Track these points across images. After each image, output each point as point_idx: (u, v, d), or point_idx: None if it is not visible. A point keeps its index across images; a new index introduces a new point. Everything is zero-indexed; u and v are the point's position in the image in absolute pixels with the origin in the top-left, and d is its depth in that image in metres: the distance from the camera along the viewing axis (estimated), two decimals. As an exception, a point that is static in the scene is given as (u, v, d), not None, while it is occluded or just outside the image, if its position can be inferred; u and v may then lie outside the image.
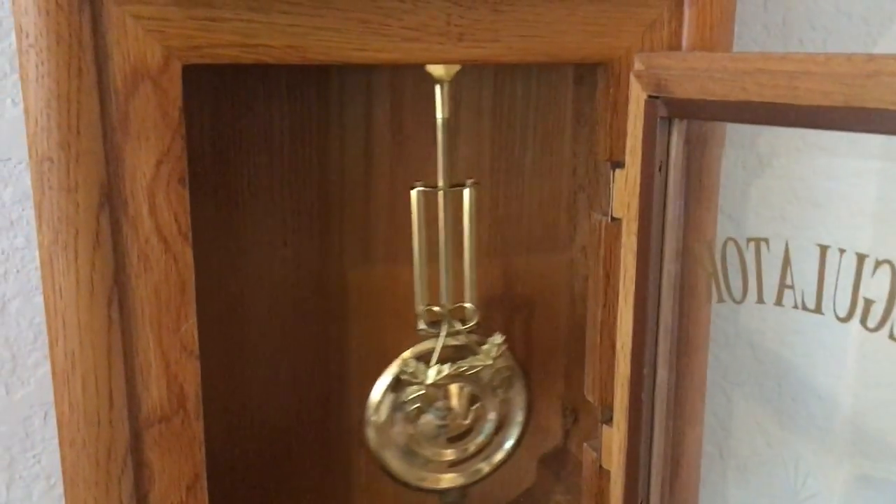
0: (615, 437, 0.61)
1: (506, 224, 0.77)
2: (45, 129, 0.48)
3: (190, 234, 0.53)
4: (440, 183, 0.65)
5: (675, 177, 0.55)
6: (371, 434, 0.68)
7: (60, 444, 0.53)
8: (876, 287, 0.47)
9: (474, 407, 0.69)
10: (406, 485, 0.70)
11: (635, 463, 0.59)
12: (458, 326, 0.67)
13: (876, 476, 0.90)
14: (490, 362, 0.67)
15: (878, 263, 0.46)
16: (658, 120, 0.54)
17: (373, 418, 0.67)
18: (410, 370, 0.66)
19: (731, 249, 0.53)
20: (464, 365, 0.66)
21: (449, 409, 0.68)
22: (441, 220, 0.66)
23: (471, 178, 0.67)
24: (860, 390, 0.90)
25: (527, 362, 0.81)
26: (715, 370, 0.90)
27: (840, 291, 0.48)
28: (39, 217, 0.50)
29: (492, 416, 0.71)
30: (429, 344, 0.68)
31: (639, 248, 0.57)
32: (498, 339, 0.67)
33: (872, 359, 0.88)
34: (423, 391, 0.66)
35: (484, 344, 0.68)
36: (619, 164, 0.58)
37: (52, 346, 0.51)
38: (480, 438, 0.71)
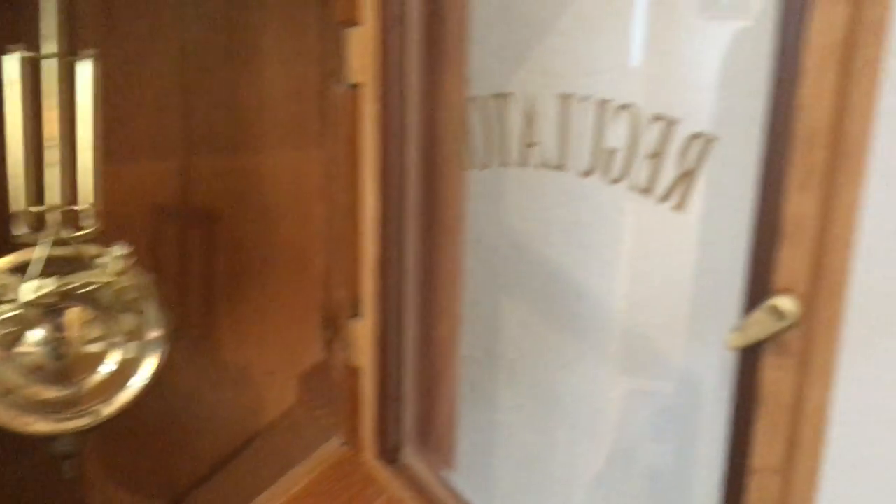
0: (364, 330, 0.56)
1: (246, 114, 0.69)
2: None
3: None
4: (49, 49, 0.50)
5: (417, 32, 0.50)
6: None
7: None
8: (616, 136, 0.44)
9: (92, 335, 0.56)
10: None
11: (386, 355, 0.54)
12: (67, 233, 0.53)
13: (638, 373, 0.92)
14: (109, 279, 0.54)
15: (618, 109, 0.43)
16: (393, -36, 0.48)
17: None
18: (1, 284, 0.52)
19: (475, 109, 0.49)
20: (74, 281, 0.53)
21: (58, 337, 0.55)
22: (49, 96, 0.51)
23: (90, 48, 0.53)
24: (627, 289, 0.91)
25: (277, 272, 0.73)
26: (482, 273, 0.88)
27: (583, 143, 0.45)
28: None
29: (116, 347, 0.57)
30: (31, 253, 0.53)
31: (380, 115, 0.51)
32: (119, 251, 0.54)
33: (640, 258, 0.88)
34: (19, 311, 0.53)
35: (101, 256, 0.54)
36: (354, 22, 0.52)
37: None
38: (97, 376, 0.57)
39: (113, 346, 0.57)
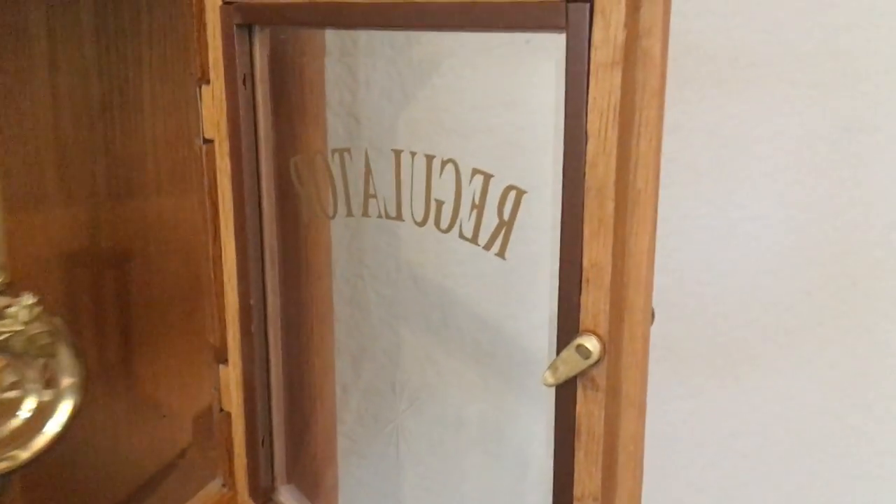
0: (232, 376, 0.58)
1: (127, 164, 0.70)
2: None
3: None
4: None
5: (264, 90, 0.52)
6: None
7: None
8: (444, 188, 0.47)
9: (6, 382, 0.58)
10: None
11: (252, 399, 0.56)
12: None
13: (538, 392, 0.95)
14: (20, 328, 0.56)
15: (443, 164, 0.46)
16: (235, 28, 0.50)
17: None
18: None
19: (319, 163, 0.51)
20: None
21: None
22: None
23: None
24: (520, 314, 0.94)
25: (168, 317, 0.75)
26: (379, 306, 0.90)
27: (416, 196, 0.48)
28: None
29: (31, 393, 0.59)
30: None
31: (232, 170, 0.53)
32: (28, 300, 0.56)
33: (522, 287, 0.91)
34: None
35: (10, 306, 0.56)
36: (205, 80, 0.54)
37: None
38: (14, 421, 0.59)
39: (28, 391, 0.58)
